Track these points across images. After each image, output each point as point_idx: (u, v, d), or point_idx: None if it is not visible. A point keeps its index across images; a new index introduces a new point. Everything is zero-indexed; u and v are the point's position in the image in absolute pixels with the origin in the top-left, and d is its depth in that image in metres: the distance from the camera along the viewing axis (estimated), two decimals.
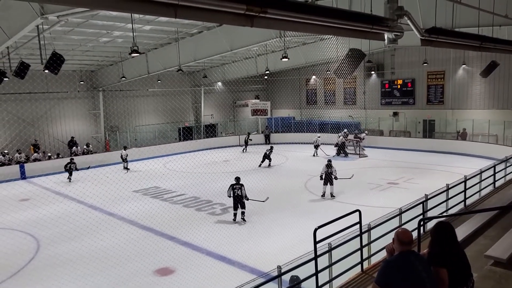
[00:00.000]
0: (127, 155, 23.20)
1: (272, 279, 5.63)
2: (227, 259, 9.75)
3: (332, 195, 15.05)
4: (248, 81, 33.48)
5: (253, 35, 17.47)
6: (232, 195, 12.65)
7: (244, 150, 28.17)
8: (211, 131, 33.62)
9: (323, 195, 15.12)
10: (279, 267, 5.70)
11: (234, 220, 12.75)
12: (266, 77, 32.28)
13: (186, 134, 31.88)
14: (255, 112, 33.02)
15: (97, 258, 10.02)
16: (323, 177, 15.11)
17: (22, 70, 14.90)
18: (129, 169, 22.93)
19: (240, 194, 12.52)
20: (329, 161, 15.51)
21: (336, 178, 15.05)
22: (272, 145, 23.68)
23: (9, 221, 13.52)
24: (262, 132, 32.64)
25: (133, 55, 13.89)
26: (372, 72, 30.56)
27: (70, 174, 20.60)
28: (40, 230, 12.38)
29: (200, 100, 34.57)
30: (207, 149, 28.90)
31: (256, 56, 27.57)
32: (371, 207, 12.70)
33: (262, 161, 21.88)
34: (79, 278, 9.02)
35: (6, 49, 14.99)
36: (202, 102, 34.54)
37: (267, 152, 21.94)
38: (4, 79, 17.13)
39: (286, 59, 19.27)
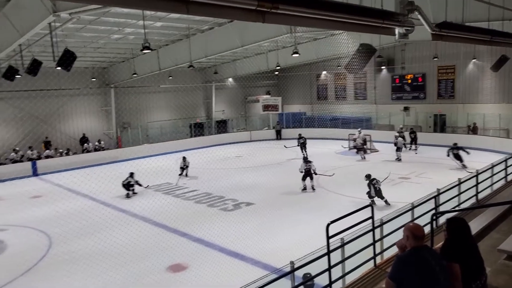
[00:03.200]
0: (186, 165, 19.87)
1: (285, 274, 5.60)
2: (240, 255, 9.70)
3: (313, 188, 15.47)
4: (259, 77, 33.38)
5: (264, 31, 17.39)
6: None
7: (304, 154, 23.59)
8: (222, 127, 33.64)
9: (304, 189, 15.48)
10: (292, 263, 5.68)
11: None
12: (277, 72, 32.19)
13: (198, 130, 31.96)
14: (266, 107, 32.98)
15: (110, 255, 10.03)
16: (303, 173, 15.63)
17: (34, 67, 15.00)
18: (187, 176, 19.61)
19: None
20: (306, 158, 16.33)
21: (315, 173, 15.54)
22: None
23: (21, 218, 13.69)
24: (273, 128, 32.57)
25: (144, 51, 13.95)
26: (383, 67, 30.49)
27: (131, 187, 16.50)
28: (52, 227, 12.51)
29: (211, 96, 34.62)
30: (218, 145, 28.92)
31: (267, 52, 27.52)
32: (382, 201, 12.69)
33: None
34: (92, 275, 9.04)
35: (18, 47, 15.09)
36: (213, 98, 34.58)
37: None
38: (17, 76, 17.36)
39: (297, 55, 19.20)
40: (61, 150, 24.79)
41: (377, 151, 23.70)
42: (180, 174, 19.36)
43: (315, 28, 16.21)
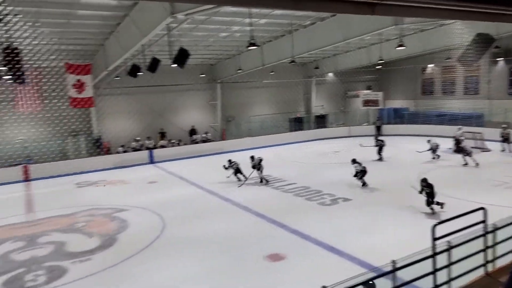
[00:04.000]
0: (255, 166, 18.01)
1: (384, 274, 5.40)
2: (336, 250, 9.74)
3: (363, 184, 15.38)
4: (360, 71, 32.73)
5: (367, 24, 17.05)
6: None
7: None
8: (321, 121, 33.64)
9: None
10: (393, 262, 5.43)
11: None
12: (379, 66, 31.19)
13: (297, 124, 32.36)
14: (366, 103, 32.24)
15: (214, 240, 10.74)
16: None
17: (154, 65, 16.61)
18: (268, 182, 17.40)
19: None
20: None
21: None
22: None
23: (141, 201, 15.31)
24: (374, 124, 31.72)
25: (250, 48, 14.61)
26: (499, 59, 27.63)
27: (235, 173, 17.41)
28: (166, 210, 13.77)
29: (311, 91, 34.80)
30: (317, 139, 29.08)
31: (369, 45, 26.84)
32: (495, 205, 11.58)
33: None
34: (199, 258, 9.75)
35: (141, 47, 16.69)
36: (313, 93, 34.71)
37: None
38: (139, 73, 19.36)
39: (402, 48, 18.48)
40: (173, 141, 26.91)
41: (489, 150, 21.90)
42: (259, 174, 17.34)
43: (427, 18, 15.45)
